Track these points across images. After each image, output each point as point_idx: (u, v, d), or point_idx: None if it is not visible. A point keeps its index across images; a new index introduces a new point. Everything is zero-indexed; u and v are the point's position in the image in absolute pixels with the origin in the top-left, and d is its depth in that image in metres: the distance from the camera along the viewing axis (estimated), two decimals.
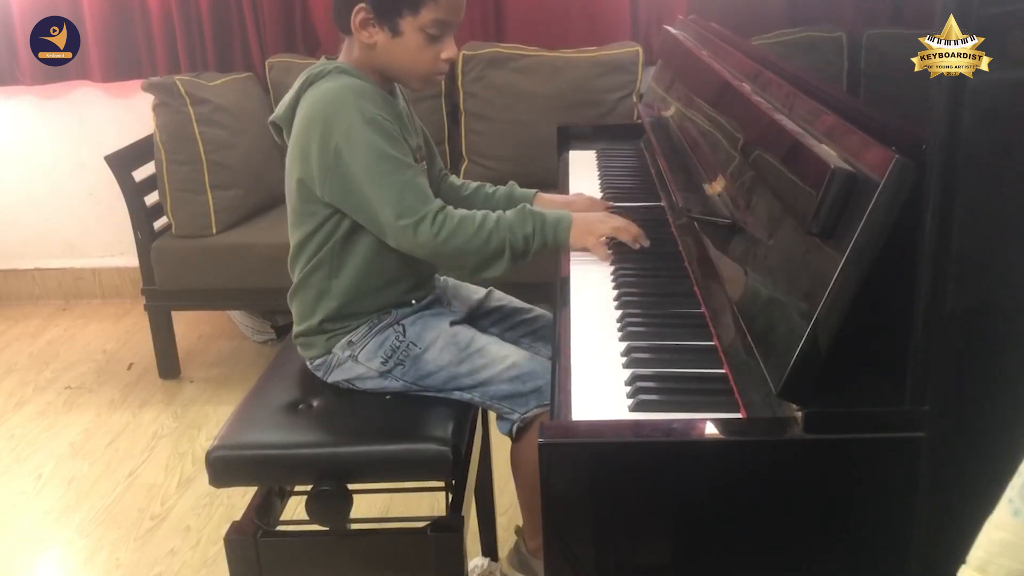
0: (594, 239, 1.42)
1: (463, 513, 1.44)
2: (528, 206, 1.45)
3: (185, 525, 2.08)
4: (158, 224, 2.76)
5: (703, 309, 1.17)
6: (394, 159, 1.37)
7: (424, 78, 1.47)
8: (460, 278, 1.62)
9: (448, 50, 1.44)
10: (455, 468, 1.37)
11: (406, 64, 1.45)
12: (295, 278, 1.51)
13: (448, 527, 1.40)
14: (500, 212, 1.43)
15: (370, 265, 1.46)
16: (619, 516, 0.88)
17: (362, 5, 1.39)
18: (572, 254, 1.43)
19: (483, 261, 1.41)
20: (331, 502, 1.35)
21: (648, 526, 0.88)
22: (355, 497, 1.38)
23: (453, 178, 1.71)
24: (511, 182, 1.69)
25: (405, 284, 1.51)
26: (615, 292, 1.27)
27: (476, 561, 1.85)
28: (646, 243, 1.43)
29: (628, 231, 1.43)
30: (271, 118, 1.49)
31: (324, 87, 1.40)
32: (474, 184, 1.70)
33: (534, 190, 1.67)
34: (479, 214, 1.41)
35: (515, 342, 1.60)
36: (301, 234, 1.47)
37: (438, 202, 1.39)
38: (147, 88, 2.66)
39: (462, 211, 1.41)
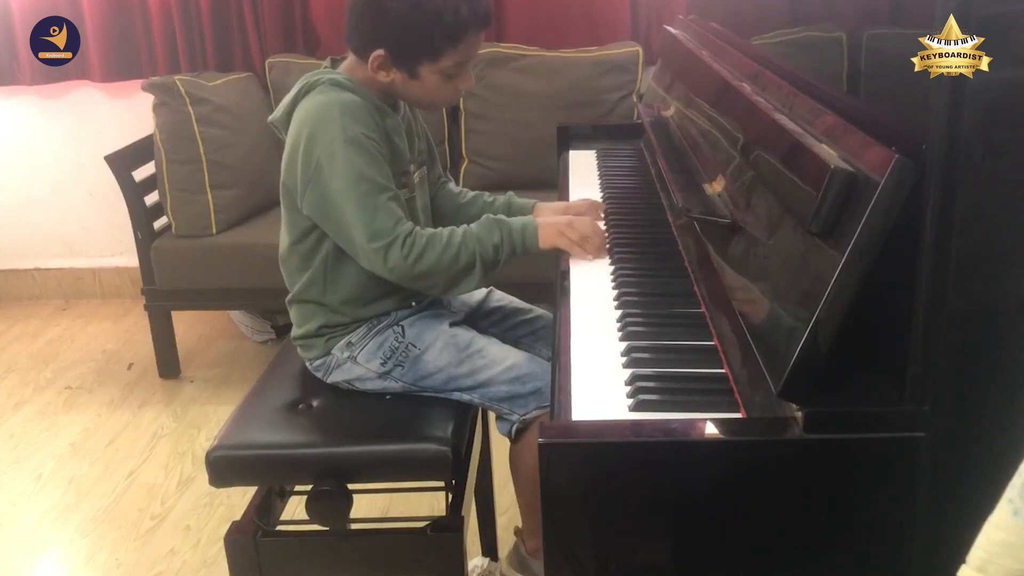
0: (567, 241, 1.42)
1: (463, 513, 1.44)
2: (492, 216, 1.45)
3: (185, 525, 2.08)
4: (158, 224, 2.76)
5: (703, 309, 1.17)
6: (371, 180, 1.36)
7: (440, 107, 1.48)
8: (434, 294, 1.55)
9: (465, 81, 1.45)
10: (455, 468, 1.37)
11: (423, 99, 1.47)
12: (290, 286, 1.52)
13: (448, 527, 1.40)
14: (466, 226, 1.42)
15: (364, 278, 1.46)
16: (619, 516, 0.88)
17: (380, 52, 1.38)
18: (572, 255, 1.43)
19: (454, 277, 1.41)
20: (331, 502, 1.35)
21: (648, 526, 0.88)
22: (355, 497, 1.38)
23: (451, 184, 1.70)
24: (509, 192, 1.69)
25: (402, 293, 1.50)
26: (615, 292, 1.27)
27: (476, 561, 1.85)
28: (602, 256, 1.41)
29: (591, 244, 1.41)
30: (270, 119, 1.50)
31: (314, 100, 1.40)
32: (472, 192, 1.69)
33: (533, 201, 1.66)
34: (446, 231, 1.40)
35: (515, 342, 1.60)
36: (289, 239, 1.48)
37: (409, 225, 1.38)
38: (147, 88, 2.67)
39: (429, 230, 1.40)
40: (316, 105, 1.39)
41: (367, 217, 1.35)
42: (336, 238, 1.42)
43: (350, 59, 1.46)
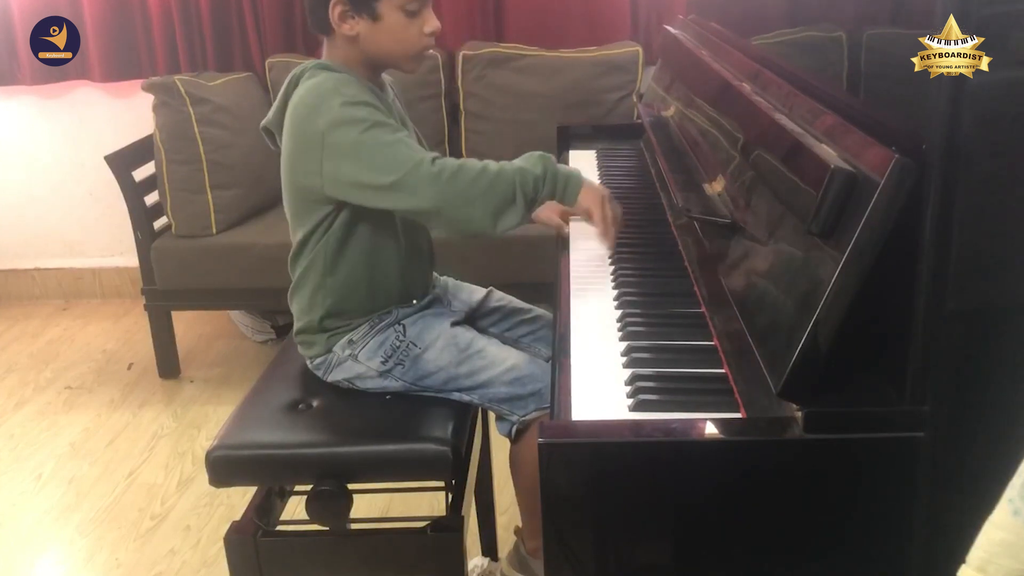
0: (600, 213, 1.42)
1: (463, 513, 1.44)
2: (539, 152, 1.42)
3: (185, 525, 2.08)
4: (158, 224, 2.76)
5: (703, 309, 1.17)
6: (383, 125, 1.36)
7: (413, 57, 1.45)
8: (480, 228, 1.38)
9: (429, 23, 1.43)
10: (455, 468, 1.37)
11: (392, 47, 1.44)
12: (293, 277, 1.52)
13: (448, 527, 1.40)
14: (504, 161, 1.39)
15: (365, 262, 1.46)
16: (619, 516, 0.88)
17: (337, 1, 1.39)
18: (572, 255, 1.43)
19: (496, 206, 1.34)
20: (331, 502, 1.35)
21: (648, 526, 0.88)
22: (355, 497, 1.38)
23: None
24: None
25: (401, 283, 1.51)
26: (615, 292, 1.27)
27: (476, 561, 1.86)
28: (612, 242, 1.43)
29: (613, 230, 1.43)
30: (262, 123, 1.49)
31: (305, 85, 1.41)
32: None
33: None
34: (477, 161, 1.37)
35: (515, 342, 1.60)
36: (301, 234, 1.48)
37: (435, 152, 1.37)
38: (147, 88, 2.67)
39: (460, 159, 1.38)
40: (308, 88, 1.40)
41: (390, 153, 1.33)
42: (366, 200, 1.37)
43: (324, 46, 1.47)
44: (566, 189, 1.41)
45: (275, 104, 1.46)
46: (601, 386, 1.01)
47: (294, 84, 1.44)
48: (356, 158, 1.35)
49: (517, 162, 1.39)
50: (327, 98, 1.37)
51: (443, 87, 2.86)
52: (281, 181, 1.46)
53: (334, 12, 1.40)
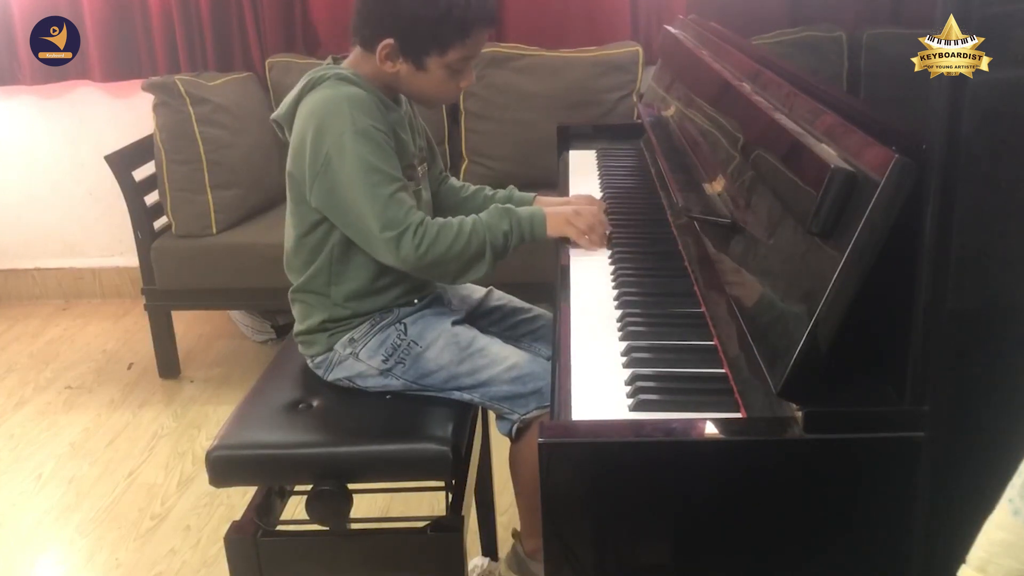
0: (574, 230, 1.44)
1: (463, 513, 1.45)
2: (500, 205, 1.47)
3: (185, 525, 2.08)
4: (158, 224, 2.76)
5: (703, 309, 1.17)
6: (381, 172, 1.37)
7: (440, 103, 1.49)
8: (445, 282, 1.60)
9: (468, 79, 1.47)
10: (455, 468, 1.37)
11: (425, 94, 1.48)
12: (294, 280, 1.52)
13: (448, 527, 1.40)
14: (475, 215, 1.44)
15: (369, 271, 1.47)
16: (619, 516, 0.88)
17: (389, 41, 1.39)
18: (571, 254, 1.43)
19: (464, 265, 1.42)
20: (331, 502, 1.35)
21: (648, 526, 0.88)
22: (355, 497, 1.38)
23: (453, 180, 1.71)
24: (511, 186, 1.69)
25: (405, 286, 1.51)
26: (615, 292, 1.27)
27: (476, 561, 1.86)
28: (604, 246, 1.45)
29: (596, 233, 1.45)
30: (273, 116, 1.50)
31: (322, 94, 1.40)
32: (473, 187, 1.70)
33: (533, 194, 1.67)
34: (456, 220, 1.42)
35: (515, 342, 1.60)
36: (297, 233, 1.48)
37: (420, 214, 1.39)
38: (147, 88, 2.67)
39: (440, 220, 1.41)
40: (324, 99, 1.40)
41: (379, 207, 1.36)
42: (346, 229, 1.42)
43: (354, 54, 1.47)
44: (532, 231, 1.45)
45: (288, 99, 1.46)
46: (601, 386, 1.01)
47: (310, 87, 1.43)
48: (350, 194, 1.37)
49: (484, 218, 1.43)
50: (338, 120, 1.37)
51: None
52: (286, 175, 1.47)
53: (381, 51, 1.40)
